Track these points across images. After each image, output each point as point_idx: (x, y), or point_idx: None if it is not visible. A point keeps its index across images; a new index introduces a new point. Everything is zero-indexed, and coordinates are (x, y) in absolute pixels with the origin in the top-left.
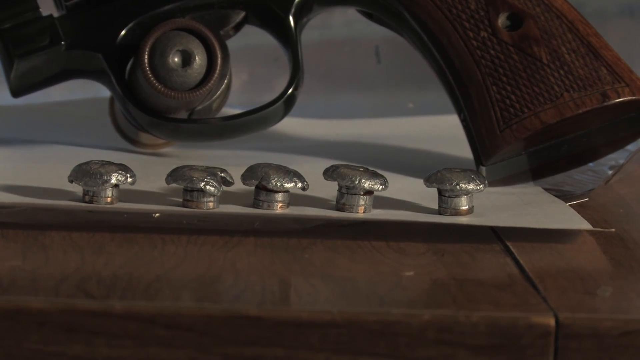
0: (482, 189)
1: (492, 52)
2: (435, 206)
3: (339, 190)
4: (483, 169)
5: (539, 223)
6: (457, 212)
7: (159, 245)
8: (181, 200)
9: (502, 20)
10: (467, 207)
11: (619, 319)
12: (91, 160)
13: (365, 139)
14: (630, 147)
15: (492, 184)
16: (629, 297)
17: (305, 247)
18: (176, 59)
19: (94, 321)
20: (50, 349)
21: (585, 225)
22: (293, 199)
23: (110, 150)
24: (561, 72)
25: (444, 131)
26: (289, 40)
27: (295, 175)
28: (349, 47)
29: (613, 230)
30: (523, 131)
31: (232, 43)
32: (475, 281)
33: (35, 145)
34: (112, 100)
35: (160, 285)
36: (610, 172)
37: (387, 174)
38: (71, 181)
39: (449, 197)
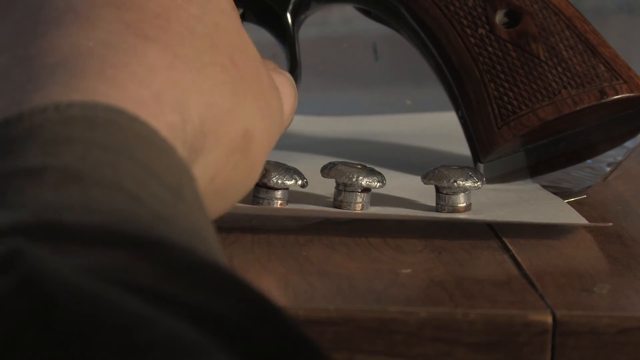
0: (480, 186)
1: (489, 49)
2: (433, 203)
3: (337, 187)
4: (481, 166)
5: (536, 219)
6: (454, 209)
7: None
8: None
9: (499, 17)
10: (464, 204)
11: (617, 317)
12: None
13: (362, 136)
14: (628, 144)
15: (489, 181)
16: (626, 294)
17: (303, 244)
18: None
19: None
20: None
21: (582, 222)
22: (291, 196)
23: None
24: (559, 69)
25: (441, 128)
26: (286, 37)
27: (295, 172)
28: (347, 44)
29: (610, 224)
30: (521, 128)
31: None
32: (472, 278)
33: None
34: None
35: None
36: (608, 169)
37: (384, 171)
38: None
39: (446, 194)
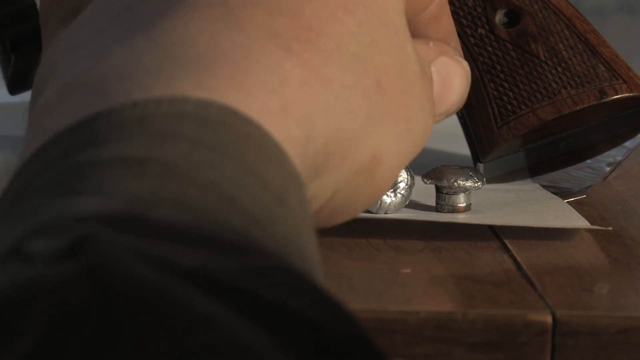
0: (480, 186)
1: (489, 49)
2: (433, 203)
3: None
4: (481, 166)
5: (536, 221)
6: (454, 209)
7: None
8: None
9: (499, 17)
10: (464, 204)
11: (617, 317)
12: None
13: None
14: (628, 143)
15: (489, 181)
16: (626, 294)
17: None
18: None
19: None
20: None
21: (582, 222)
22: None
23: None
24: (559, 69)
25: (441, 128)
26: None
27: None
28: None
29: (610, 228)
30: (520, 128)
31: None
32: (472, 278)
33: None
34: None
35: None
36: (607, 169)
37: None
38: None
39: (446, 194)
